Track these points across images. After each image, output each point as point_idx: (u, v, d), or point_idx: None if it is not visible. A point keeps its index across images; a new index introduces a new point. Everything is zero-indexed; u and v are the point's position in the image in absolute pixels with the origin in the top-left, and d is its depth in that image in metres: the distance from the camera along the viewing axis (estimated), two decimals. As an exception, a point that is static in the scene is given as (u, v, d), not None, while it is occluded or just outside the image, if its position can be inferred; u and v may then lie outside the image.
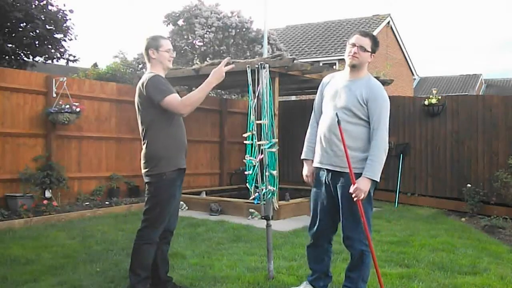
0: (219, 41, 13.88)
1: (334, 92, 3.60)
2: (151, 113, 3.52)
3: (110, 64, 13.84)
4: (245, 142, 4.21)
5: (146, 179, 3.58)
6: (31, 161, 7.51)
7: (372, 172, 3.35)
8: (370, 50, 3.54)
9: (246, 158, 4.19)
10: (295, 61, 7.25)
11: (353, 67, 3.57)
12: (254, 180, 4.21)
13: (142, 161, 3.59)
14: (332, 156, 3.50)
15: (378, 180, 3.39)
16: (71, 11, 10.20)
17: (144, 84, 3.51)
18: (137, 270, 3.52)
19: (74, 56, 10.59)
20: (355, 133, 3.44)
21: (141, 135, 3.63)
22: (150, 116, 3.53)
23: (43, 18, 9.50)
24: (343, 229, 3.53)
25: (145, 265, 3.55)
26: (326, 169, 3.56)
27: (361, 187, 3.33)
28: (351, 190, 3.36)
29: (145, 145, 3.57)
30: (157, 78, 3.55)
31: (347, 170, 3.39)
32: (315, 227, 3.67)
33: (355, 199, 3.35)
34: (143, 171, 3.58)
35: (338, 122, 3.38)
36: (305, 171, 3.80)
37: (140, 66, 13.44)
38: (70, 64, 10.75)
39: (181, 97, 3.53)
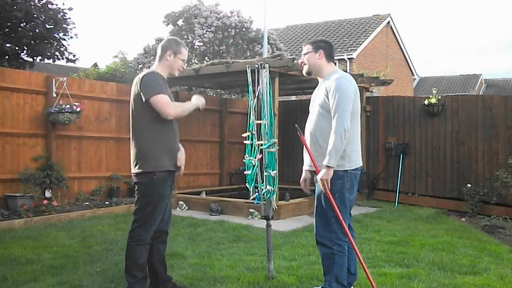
0: (219, 41, 13.86)
1: (313, 96, 3.75)
2: (143, 111, 3.51)
3: (110, 64, 13.86)
4: (245, 142, 4.21)
5: (135, 179, 3.57)
6: (31, 161, 7.51)
7: (327, 159, 3.37)
8: (312, 50, 3.66)
9: (245, 158, 4.19)
10: (295, 61, 7.25)
11: (308, 74, 3.75)
12: (254, 180, 4.21)
13: (132, 160, 3.58)
14: (307, 158, 3.69)
15: (333, 166, 3.36)
16: (70, 9, 10.22)
17: (140, 79, 3.51)
18: (133, 271, 3.52)
19: (74, 56, 10.59)
20: (326, 130, 3.48)
21: (130, 132, 3.62)
22: (141, 114, 3.52)
23: (43, 17, 9.49)
24: (315, 227, 3.63)
25: (140, 266, 3.54)
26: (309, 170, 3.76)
27: (319, 176, 3.41)
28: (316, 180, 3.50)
29: (134, 143, 3.56)
30: (154, 75, 3.54)
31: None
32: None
33: (321, 188, 3.43)
34: (133, 170, 3.57)
35: (298, 133, 3.60)
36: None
37: (140, 66, 13.44)
38: (70, 63, 10.76)
39: (179, 97, 3.55)
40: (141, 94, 3.47)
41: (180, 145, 3.75)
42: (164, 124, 3.55)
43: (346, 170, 3.47)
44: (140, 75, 3.56)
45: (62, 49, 10.28)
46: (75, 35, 10.54)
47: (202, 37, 13.75)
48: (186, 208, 8.25)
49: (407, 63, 24.50)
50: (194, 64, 12.80)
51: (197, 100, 3.72)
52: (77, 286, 3.93)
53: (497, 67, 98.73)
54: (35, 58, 10.18)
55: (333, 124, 3.39)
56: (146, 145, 3.51)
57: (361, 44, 19.98)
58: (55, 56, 10.24)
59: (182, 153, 3.70)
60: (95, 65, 16.32)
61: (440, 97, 9.10)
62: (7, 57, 9.64)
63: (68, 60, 10.52)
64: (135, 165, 3.53)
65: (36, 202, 7.19)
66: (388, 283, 4.05)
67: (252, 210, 7.32)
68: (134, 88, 3.55)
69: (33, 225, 6.45)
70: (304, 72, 3.78)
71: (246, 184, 4.28)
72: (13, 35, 9.41)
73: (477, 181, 8.40)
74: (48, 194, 7.47)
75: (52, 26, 9.85)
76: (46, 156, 7.67)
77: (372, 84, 10.19)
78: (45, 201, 7.22)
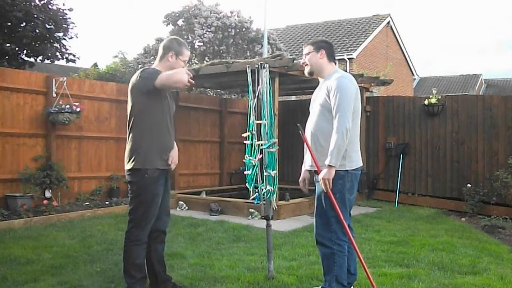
0: (219, 41, 13.86)
1: (314, 96, 3.75)
2: (140, 109, 3.52)
3: (110, 64, 13.87)
4: (245, 142, 4.21)
5: (128, 178, 3.58)
6: (31, 161, 7.51)
7: (329, 158, 3.37)
8: (313, 50, 3.66)
9: (245, 158, 4.19)
10: (295, 61, 7.25)
11: (311, 74, 3.74)
12: (254, 180, 4.21)
13: (125, 156, 3.58)
14: (308, 157, 3.70)
15: (335, 165, 3.37)
16: (70, 9, 10.23)
17: (138, 75, 3.52)
18: (131, 271, 3.53)
19: (74, 55, 10.61)
20: (327, 130, 3.48)
21: (126, 132, 3.63)
22: (138, 111, 3.53)
23: (43, 17, 9.50)
24: (315, 227, 3.63)
25: (138, 266, 3.55)
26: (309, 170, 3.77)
27: (321, 176, 3.41)
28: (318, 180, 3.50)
29: (129, 140, 3.57)
30: (151, 68, 3.58)
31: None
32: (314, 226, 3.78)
33: (322, 187, 3.43)
34: (125, 166, 3.57)
35: (300, 132, 3.61)
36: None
37: (140, 66, 13.43)
38: (70, 63, 10.77)
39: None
40: (147, 86, 3.45)
41: (174, 143, 3.75)
42: (161, 123, 3.56)
43: (347, 170, 3.47)
44: (139, 72, 3.57)
45: (62, 49, 10.30)
46: (75, 35, 10.57)
47: (202, 37, 13.75)
48: (186, 208, 8.25)
49: (407, 63, 24.50)
50: (194, 64, 12.80)
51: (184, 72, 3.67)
52: (77, 286, 3.93)
53: (497, 67, 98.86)
54: (35, 58, 10.19)
55: (334, 123, 3.39)
56: (141, 143, 3.52)
57: (361, 44, 19.98)
58: (55, 56, 10.26)
59: (175, 151, 3.71)
60: (95, 65, 16.31)
61: (440, 97, 9.10)
62: (7, 57, 9.66)
63: (68, 60, 10.54)
64: (128, 161, 3.55)
65: (36, 202, 7.19)
66: (388, 283, 4.05)
67: (252, 210, 7.32)
68: (133, 84, 3.56)
69: (33, 225, 6.45)
70: (306, 73, 3.76)
71: (246, 184, 4.28)
72: (13, 35, 9.42)
73: (477, 181, 8.40)
74: (48, 194, 7.47)
75: (52, 26, 9.86)
76: (46, 156, 7.67)
77: (372, 84, 10.19)
78: (45, 201, 7.22)
